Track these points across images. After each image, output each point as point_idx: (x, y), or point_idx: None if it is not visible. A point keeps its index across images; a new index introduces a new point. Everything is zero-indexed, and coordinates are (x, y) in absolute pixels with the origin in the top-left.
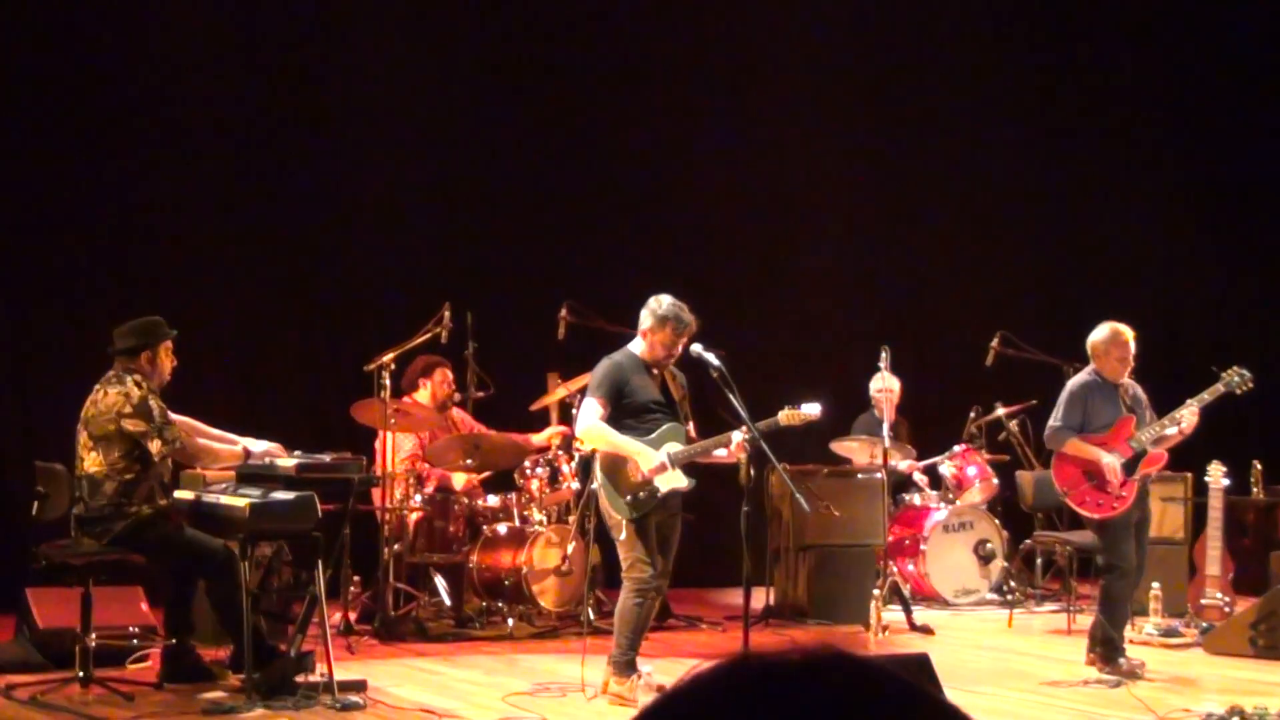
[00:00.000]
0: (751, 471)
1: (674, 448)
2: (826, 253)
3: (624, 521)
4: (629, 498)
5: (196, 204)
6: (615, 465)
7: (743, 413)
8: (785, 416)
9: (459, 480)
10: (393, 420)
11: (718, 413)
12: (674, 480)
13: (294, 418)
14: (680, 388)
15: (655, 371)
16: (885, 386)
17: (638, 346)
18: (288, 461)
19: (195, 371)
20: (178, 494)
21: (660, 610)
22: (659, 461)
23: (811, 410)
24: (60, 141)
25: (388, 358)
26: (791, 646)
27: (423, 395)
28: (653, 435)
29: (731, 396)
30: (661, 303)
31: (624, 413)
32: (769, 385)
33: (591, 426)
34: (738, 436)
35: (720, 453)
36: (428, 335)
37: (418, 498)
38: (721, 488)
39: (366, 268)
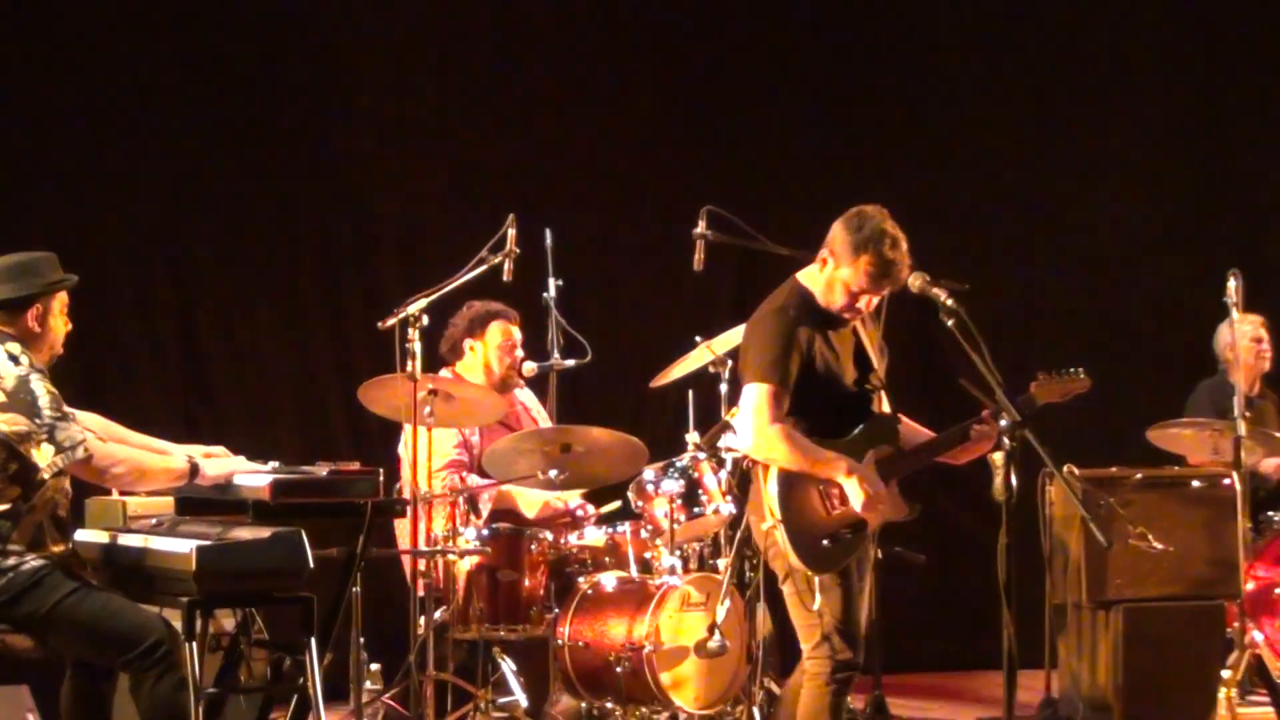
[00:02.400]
0: (1013, 480)
1: (884, 453)
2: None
3: (808, 574)
4: (825, 541)
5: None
6: (799, 489)
7: (995, 383)
8: (1041, 387)
9: (534, 503)
10: (429, 411)
11: (931, 381)
12: (892, 508)
13: (267, 407)
14: (881, 348)
15: (844, 327)
16: (1244, 336)
17: (814, 282)
18: (258, 479)
19: (106, 337)
20: (81, 535)
21: (874, 710)
22: (877, 487)
23: (1075, 379)
24: None
25: (416, 306)
26: None
27: (471, 366)
28: (854, 434)
29: (977, 357)
30: (865, 220)
31: (804, 400)
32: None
33: (772, 436)
34: (986, 419)
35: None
36: (481, 268)
37: (471, 533)
38: (959, 506)
39: (382, 173)
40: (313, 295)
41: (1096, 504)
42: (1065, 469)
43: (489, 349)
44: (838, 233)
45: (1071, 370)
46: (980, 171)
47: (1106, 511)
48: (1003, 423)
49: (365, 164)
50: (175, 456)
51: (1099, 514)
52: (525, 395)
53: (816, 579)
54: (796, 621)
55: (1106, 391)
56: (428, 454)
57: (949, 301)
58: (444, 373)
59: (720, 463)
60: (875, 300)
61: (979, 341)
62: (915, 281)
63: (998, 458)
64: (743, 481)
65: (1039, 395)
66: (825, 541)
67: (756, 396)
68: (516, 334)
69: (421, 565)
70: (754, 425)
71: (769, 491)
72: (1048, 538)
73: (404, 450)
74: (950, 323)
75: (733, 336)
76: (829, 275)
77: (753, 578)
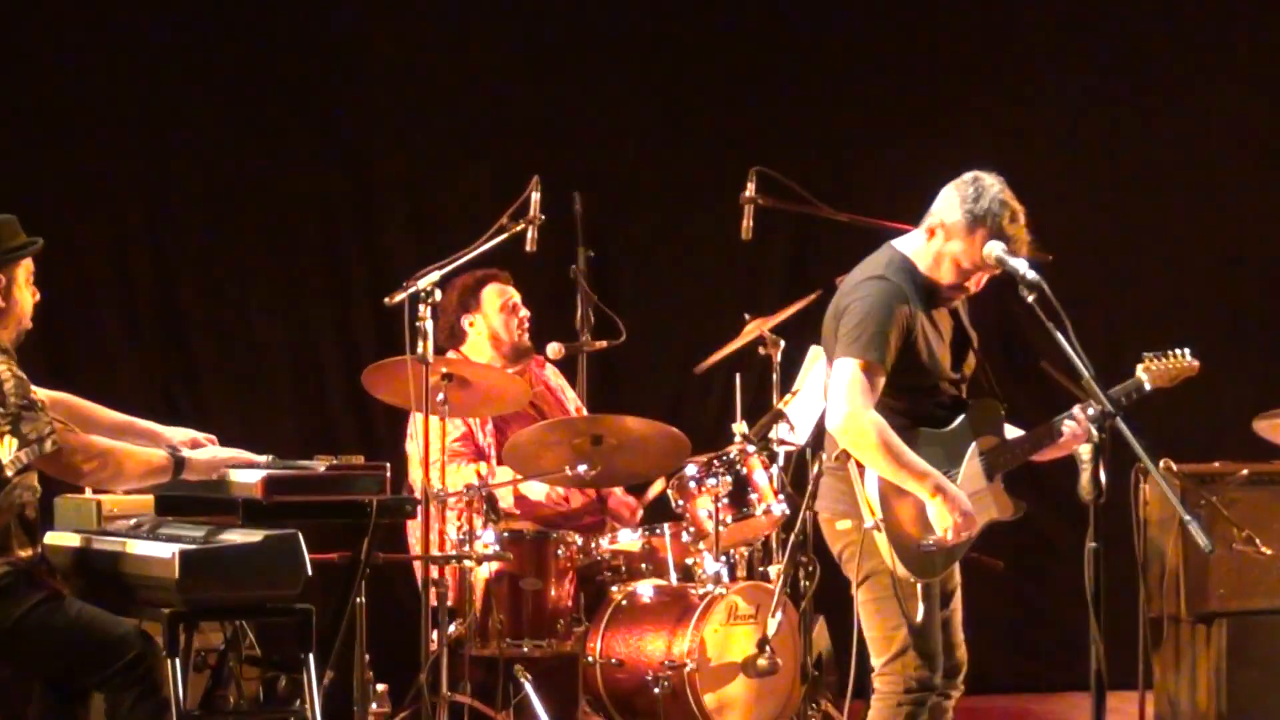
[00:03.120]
0: (1102, 477)
1: (990, 444)
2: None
3: (911, 580)
4: (927, 542)
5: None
6: (896, 493)
7: (1085, 370)
8: (1150, 370)
9: (541, 489)
10: (442, 398)
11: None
12: (997, 507)
13: (259, 393)
14: (973, 331)
15: (946, 307)
16: None
17: (917, 253)
18: (250, 474)
19: (76, 310)
20: (50, 538)
21: None
22: (963, 511)
23: (1182, 361)
24: None
25: (428, 280)
26: None
27: (477, 346)
28: (953, 425)
29: (1061, 337)
30: (983, 189)
31: (901, 384)
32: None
33: (864, 425)
34: (1078, 416)
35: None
36: (502, 237)
37: (490, 536)
38: (1041, 506)
39: (389, 128)
40: (311, 266)
41: (1197, 504)
42: (1161, 464)
43: (490, 318)
44: (950, 202)
45: (1178, 352)
46: (1065, 125)
47: (1208, 512)
48: (1090, 412)
49: (370, 118)
50: (157, 450)
51: (1200, 515)
52: (552, 374)
53: (920, 585)
54: (870, 634)
55: (1209, 377)
56: (441, 447)
57: (1029, 274)
58: (452, 354)
59: (772, 457)
60: (986, 279)
61: (1063, 319)
62: (993, 253)
63: (1084, 452)
64: (800, 473)
65: (1148, 379)
66: (926, 544)
67: (849, 374)
68: (514, 293)
69: (434, 572)
70: (845, 407)
71: (868, 487)
72: (1141, 542)
73: (412, 443)
74: (1031, 298)
75: (786, 314)
76: (937, 249)
77: (808, 587)
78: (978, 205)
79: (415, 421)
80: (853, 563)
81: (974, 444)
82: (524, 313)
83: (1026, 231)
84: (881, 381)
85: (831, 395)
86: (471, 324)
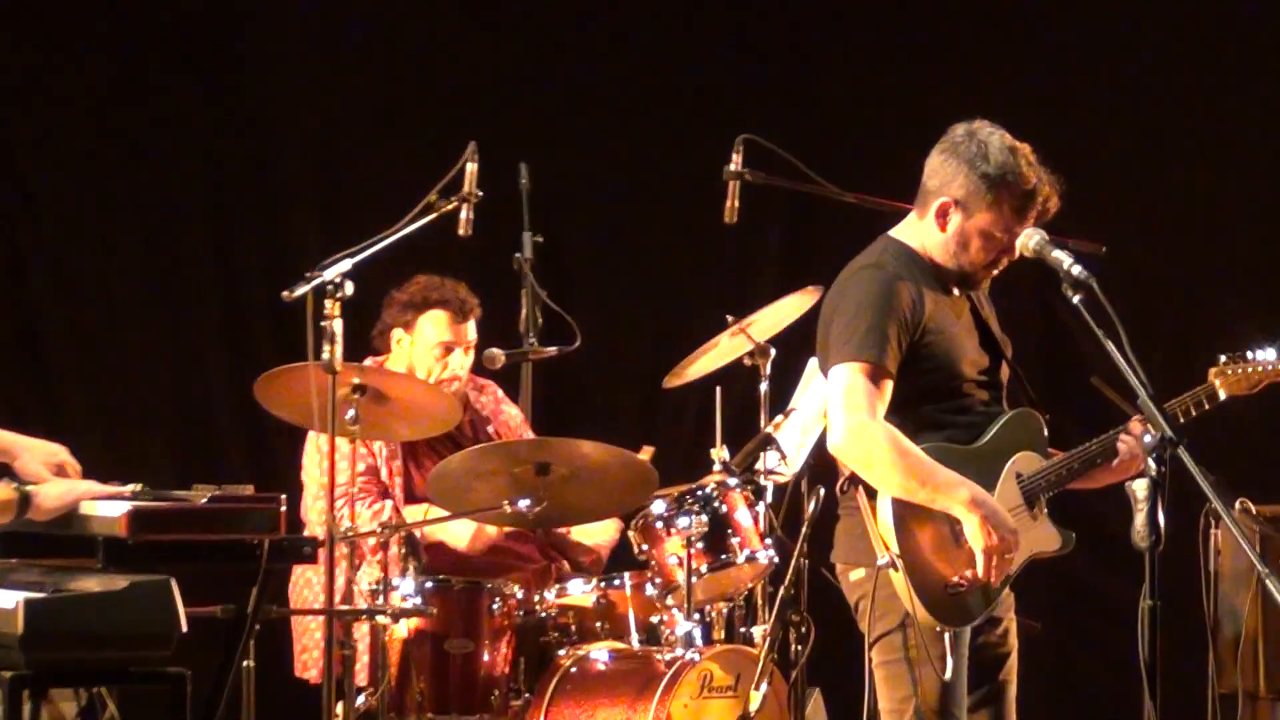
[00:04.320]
0: (1160, 520)
1: (1031, 464)
2: None
3: (936, 628)
4: (953, 582)
5: None
6: (922, 511)
7: (1142, 388)
8: (1225, 375)
9: (466, 531)
10: (353, 415)
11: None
12: (1041, 539)
13: (129, 406)
14: (1003, 335)
15: (961, 294)
16: None
17: (935, 244)
18: (112, 507)
19: None
20: None
21: None
22: (1005, 531)
23: (1265, 365)
24: None
25: (336, 270)
26: None
27: (403, 358)
28: (984, 439)
29: (1116, 351)
30: (983, 144)
31: (914, 388)
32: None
33: (873, 436)
34: (1134, 430)
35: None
36: (428, 218)
37: (408, 586)
38: (1087, 554)
39: (293, 88)
40: (195, 252)
41: (1278, 554)
42: (1237, 505)
43: (417, 347)
44: (953, 171)
45: (1260, 352)
46: (1121, 88)
47: None
48: (1147, 438)
49: (271, 76)
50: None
51: None
52: (493, 401)
53: (947, 636)
54: (885, 703)
55: None
56: (350, 473)
57: (1076, 269)
58: (372, 363)
59: (758, 492)
60: (1017, 252)
61: (1116, 325)
62: (1030, 241)
63: (1140, 488)
64: (794, 512)
65: (1222, 386)
66: (954, 581)
67: (846, 379)
68: (464, 332)
69: (343, 633)
70: (846, 418)
71: (881, 514)
72: (1212, 601)
73: (307, 474)
74: (1077, 299)
75: (778, 316)
76: (958, 230)
77: (800, 652)
78: (989, 164)
79: (314, 444)
80: (865, 617)
81: (1010, 463)
82: (460, 363)
83: (1048, 172)
84: (889, 386)
85: (830, 410)
86: (399, 341)
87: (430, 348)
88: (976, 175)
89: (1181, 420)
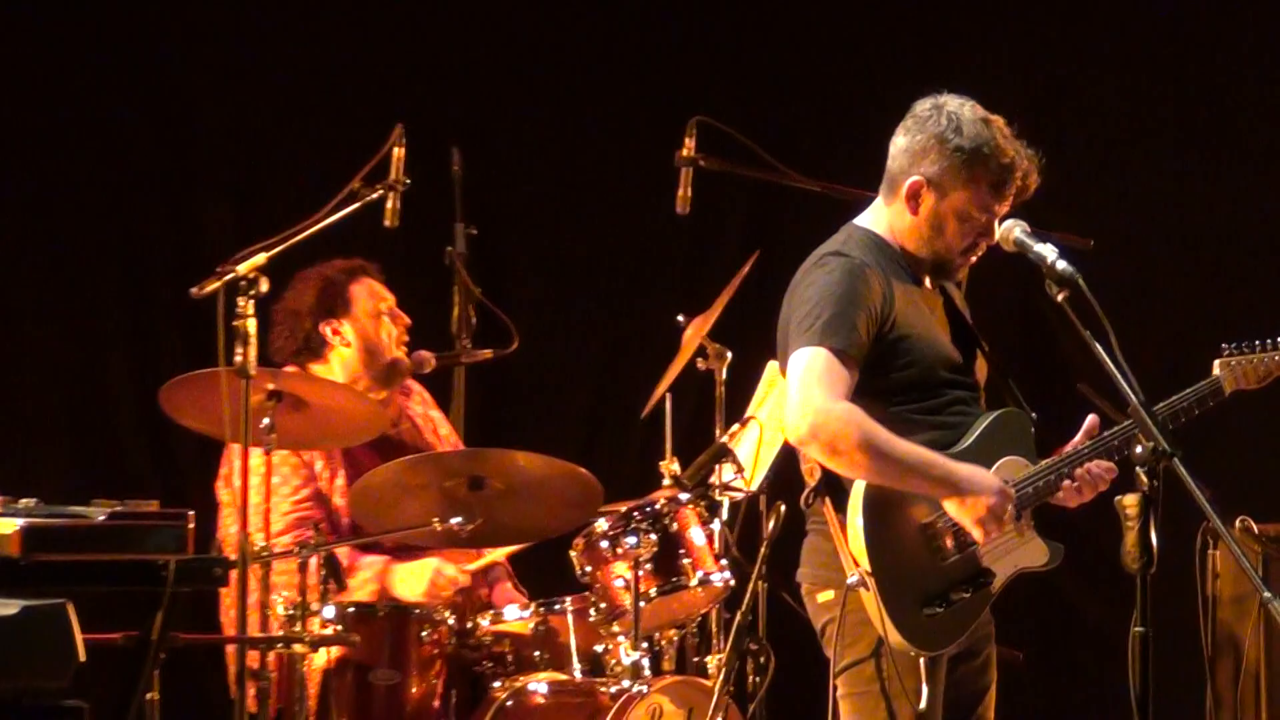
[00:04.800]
0: (1153, 540)
1: (1017, 471)
2: None
3: (913, 653)
4: (933, 606)
5: None
6: (895, 520)
7: (1132, 394)
8: (1230, 366)
9: (421, 575)
10: (268, 424)
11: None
12: (1027, 553)
13: (21, 415)
14: (971, 324)
15: (934, 286)
16: None
17: (905, 230)
18: (2, 523)
19: None
20: None
21: None
22: (1003, 509)
23: (1275, 352)
24: None
25: (251, 264)
26: None
27: (344, 361)
28: (964, 443)
29: (1105, 355)
30: (953, 117)
31: (884, 382)
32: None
33: (837, 417)
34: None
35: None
36: (351, 207)
37: (329, 611)
38: (1073, 578)
39: (203, 67)
40: (96, 246)
41: None
42: (1238, 523)
43: (362, 324)
44: (922, 149)
45: (1271, 342)
46: (1112, 67)
47: None
48: (1138, 449)
49: (180, 50)
50: None
51: None
52: (421, 403)
53: (922, 661)
54: None
55: None
56: (266, 494)
57: (1060, 264)
58: (293, 369)
59: (713, 509)
60: (996, 235)
61: (1104, 325)
62: (1010, 234)
63: (1130, 504)
64: (751, 531)
65: (1227, 380)
66: (934, 605)
67: (807, 362)
68: (387, 296)
69: (257, 662)
70: (806, 403)
71: (854, 524)
72: (1209, 629)
73: (224, 492)
74: (1061, 296)
75: (721, 299)
76: (931, 215)
77: (759, 684)
78: (962, 136)
79: (230, 459)
80: (832, 643)
81: (994, 468)
82: (400, 323)
83: (1026, 147)
84: (854, 376)
85: (789, 397)
86: (337, 331)
87: (371, 317)
88: (949, 150)
89: (1184, 420)
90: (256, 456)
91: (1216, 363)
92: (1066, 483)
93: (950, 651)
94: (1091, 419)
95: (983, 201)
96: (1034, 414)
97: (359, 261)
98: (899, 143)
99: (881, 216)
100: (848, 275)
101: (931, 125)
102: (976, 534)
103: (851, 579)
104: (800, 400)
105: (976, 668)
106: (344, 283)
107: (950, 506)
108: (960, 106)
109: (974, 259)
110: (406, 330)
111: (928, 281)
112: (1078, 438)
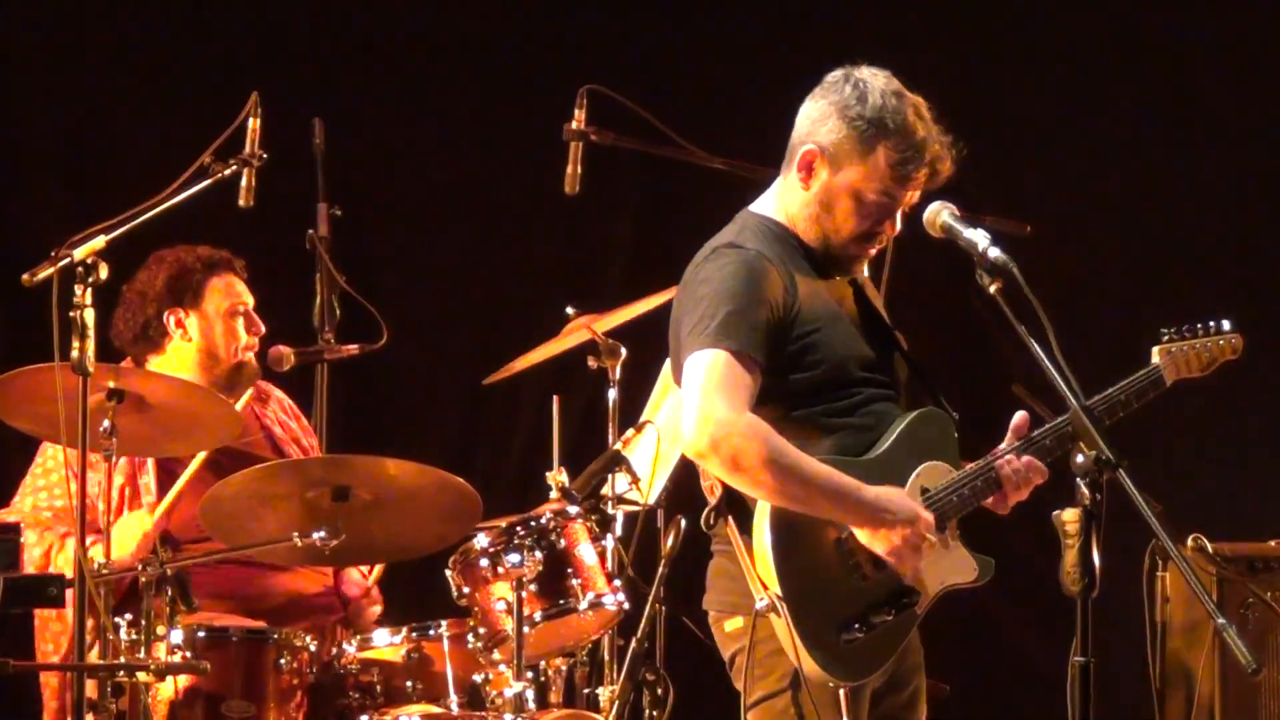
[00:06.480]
0: (1095, 559)
1: (939, 477)
2: None
3: (830, 684)
4: (852, 630)
5: None
6: (809, 537)
7: (1071, 396)
8: (1170, 353)
9: (128, 535)
10: (108, 427)
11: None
12: (953, 568)
13: None
14: (894, 328)
15: (842, 278)
16: None
17: (786, 212)
18: None
19: None
20: None
21: None
22: (916, 529)
23: (1220, 338)
24: None
25: (88, 248)
26: None
27: (181, 356)
28: (880, 448)
29: (1040, 351)
30: (863, 86)
31: (789, 385)
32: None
33: (739, 430)
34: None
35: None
36: (201, 185)
37: (176, 636)
38: (1006, 599)
39: (33, 40)
40: None
41: (1241, 602)
42: (1189, 542)
43: (209, 321)
44: (822, 117)
45: (1214, 325)
46: (1056, 37)
47: (1258, 614)
48: (1079, 459)
49: (6, 23)
50: None
51: (1244, 618)
52: (278, 410)
53: (842, 694)
54: None
55: (1265, 420)
56: (105, 501)
57: (992, 251)
58: (130, 365)
59: (605, 523)
60: (899, 225)
61: (1041, 318)
62: (938, 218)
63: (1070, 519)
64: (647, 548)
65: (1168, 369)
66: (853, 630)
67: (705, 366)
68: (248, 295)
69: (98, 691)
70: (701, 413)
71: (760, 547)
72: (1158, 657)
73: (30, 496)
74: (994, 287)
75: (629, 308)
76: (823, 190)
77: (655, 718)
78: (866, 106)
79: (47, 457)
80: (740, 676)
81: (914, 475)
82: (256, 328)
83: (943, 132)
84: (755, 378)
85: (685, 405)
86: (181, 323)
87: (221, 317)
88: (849, 118)
89: (1121, 415)
90: (59, 457)
91: (1155, 350)
92: (1004, 472)
93: (873, 682)
94: (1020, 416)
95: (880, 183)
96: (955, 414)
97: (225, 255)
98: (802, 110)
99: (777, 199)
100: (744, 269)
101: (834, 92)
102: (891, 564)
103: (760, 604)
104: (699, 411)
105: (904, 701)
106: (200, 272)
107: (862, 536)
108: (873, 76)
109: (873, 251)
110: (259, 337)
111: (835, 273)
112: (1007, 439)
